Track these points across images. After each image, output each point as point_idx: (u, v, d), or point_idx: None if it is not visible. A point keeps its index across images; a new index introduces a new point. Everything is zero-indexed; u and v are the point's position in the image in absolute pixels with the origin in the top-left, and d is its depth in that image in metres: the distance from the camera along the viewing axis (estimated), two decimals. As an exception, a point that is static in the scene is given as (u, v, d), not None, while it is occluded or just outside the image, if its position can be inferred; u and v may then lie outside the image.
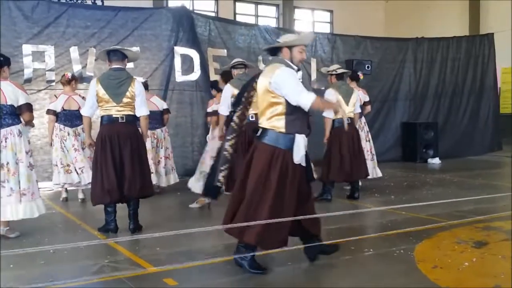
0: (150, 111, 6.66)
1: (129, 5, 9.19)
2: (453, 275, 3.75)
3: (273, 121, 3.72)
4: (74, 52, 8.26)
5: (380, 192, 7.49)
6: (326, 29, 15.12)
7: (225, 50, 9.63)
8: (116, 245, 4.59)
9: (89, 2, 11.33)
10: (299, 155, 3.74)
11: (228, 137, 3.97)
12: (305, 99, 3.63)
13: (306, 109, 3.70)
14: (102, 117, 5.01)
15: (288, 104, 3.68)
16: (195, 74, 9.06)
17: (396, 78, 11.85)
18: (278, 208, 3.66)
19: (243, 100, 3.99)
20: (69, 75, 6.85)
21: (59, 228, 5.35)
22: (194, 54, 9.13)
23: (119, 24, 8.61)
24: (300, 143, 3.74)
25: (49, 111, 6.75)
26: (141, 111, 5.12)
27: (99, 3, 11.42)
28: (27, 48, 7.97)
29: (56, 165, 6.70)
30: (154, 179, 7.08)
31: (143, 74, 8.52)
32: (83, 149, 6.62)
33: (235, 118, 3.98)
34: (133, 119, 5.08)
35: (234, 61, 6.30)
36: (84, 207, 6.53)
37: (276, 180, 3.67)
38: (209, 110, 7.40)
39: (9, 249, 4.47)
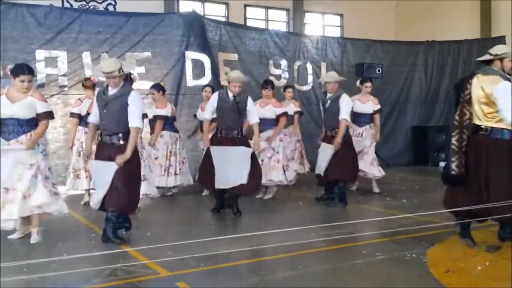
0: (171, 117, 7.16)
1: (141, 11, 9.25)
2: (466, 279, 3.73)
3: (502, 122, 4.31)
4: (86, 57, 8.35)
5: (391, 195, 7.47)
6: (336, 33, 15.08)
7: (236, 55, 9.68)
8: (128, 248, 4.61)
9: (101, 8, 11.42)
10: None
11: (453, 133, 4.54)
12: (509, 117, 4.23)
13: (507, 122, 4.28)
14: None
15: None
16: (206, 79, 9.10)
17: (407, 82, 11.81)
18: None
19: (460, 100, 4.52)
20: (96, 79, 6.85)
21: (72, 232, 5.38)
22: (205, 59, 9.19)
23: (131, 29, 8.69)
24: None
25: (73, 115, 6.73)
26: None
27: (111, 9, 11.49)
28: (40, 54, 8.07)
29: (71, 170, 6.76)
30: (179, 179, 7.40)
31: (154, 79, 8.56)
32: None
33: (455, 116, 4.55)
34: None
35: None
36: (97, 211, 6.56)
37: None
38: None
39: (22, 252, 4.54)
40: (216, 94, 6.14)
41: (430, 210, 5.62)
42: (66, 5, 11.06)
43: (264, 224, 5.82)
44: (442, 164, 11.05)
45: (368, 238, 4.88)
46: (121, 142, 4.78)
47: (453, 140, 4.50)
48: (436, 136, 11.41)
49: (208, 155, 6.05)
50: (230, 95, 5.95)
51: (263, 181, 6.54)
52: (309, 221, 6.13)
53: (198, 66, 9.15)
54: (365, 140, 7.43)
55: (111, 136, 4.81)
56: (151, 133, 7.19)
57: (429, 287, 3.62)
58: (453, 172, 4.47)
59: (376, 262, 4.21)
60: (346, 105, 6.50)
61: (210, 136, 6.17)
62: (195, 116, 7.98)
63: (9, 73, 4.80)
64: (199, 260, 4.20)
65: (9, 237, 4.86)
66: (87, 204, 6.85)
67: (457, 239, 4.81)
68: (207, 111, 6.14)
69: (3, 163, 4.66)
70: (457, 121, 4.52)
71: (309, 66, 10.64)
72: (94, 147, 5.17)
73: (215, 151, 5.95)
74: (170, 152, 7.33)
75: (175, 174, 7.34)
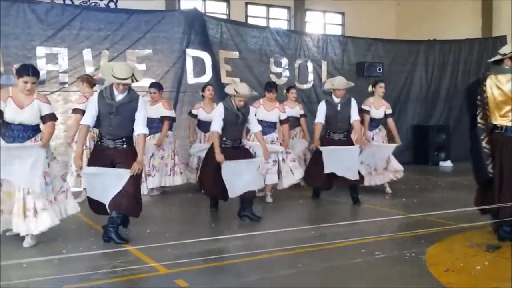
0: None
1: (142, 8, 9.25)
2: (465, 279, 3.74)
3: None
4: (87, 54, 8.35)
5: (391, 194, 7.47)
6: (337, 31, 15.07)
7: (237, 53, 9.67)
8: (128, 246, 4.62)
9: (103, 5, 11.40)
10: None
11: (482, 137, 4.64)
12: None
13: None
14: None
15: None
16: (207, 76, 9.11)
17: (408, 81, 11.80)
18: None
19: (479, 103, 4.65)
20: (98, 77, 6.80)
21: (72, 229, 5.38)
22: (205, 57, 9.19)
23: (132, 26, 8.69)
24: None
25: (77, 111, 6.57)
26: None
27: (112, 6, 11.48)
28: (41, 50, 8.07)
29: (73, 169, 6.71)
30: (185, 177, 7.55)
31: (155, 76, 8.58)
32: None
33: (479, 120, 4.65)
34: None
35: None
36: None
37: None
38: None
39: (22, 249, 4.54)
40: (221, 105, 5.85)
41: (430, 209, 5.65)
42: (68, 2, 11.05)
43: (264, 222, 5.82)
44: (442, 163, 11.15)
45: (367, 237, 4.88)
46: (125, 146, 4.79)
47: (484, 144, 4.64)
48: (436, 135, 11.40)
49: (212, 166, 5.80)
50: (235, 106, 5.84)
51: (290, 181, 6.97)
52: (309, 219, 6.16)
53: (198, 64, 9.16)
54: (385, 147, 7.50)
55: (115, 141, 4.78)
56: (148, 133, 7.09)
57: (428, 287, 3.63)
58: (490, 175, 4.62)
59: (376, 261, 4.21)
60: (356, 107, 6.87)
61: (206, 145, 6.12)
62: (190, 114, 7.87)
63: (14, 71, 4.73)
64: (198, 258, 4.20)
65: (7, 233, 4.86)
66: (85, 201, 6.84)
67: (457, 239, 4.82)
68: (217, 123, 5.77)
69: (19, 162, 4.55)
70: (483, 124, 4.65)
71: (310, 65, 10.62)
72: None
73: (225, 165, 5.70)
74: (173, 151, 7.37)
75: (181, 172, 7.41)
